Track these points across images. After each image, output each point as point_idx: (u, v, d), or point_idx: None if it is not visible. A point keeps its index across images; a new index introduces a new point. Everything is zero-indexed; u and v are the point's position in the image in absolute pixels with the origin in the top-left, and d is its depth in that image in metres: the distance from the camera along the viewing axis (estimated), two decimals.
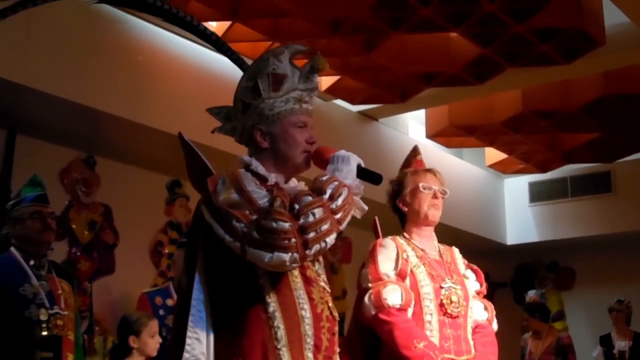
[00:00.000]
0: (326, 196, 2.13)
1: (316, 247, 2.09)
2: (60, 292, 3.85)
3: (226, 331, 2.15)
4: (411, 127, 8.38)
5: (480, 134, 7.87)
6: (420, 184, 3.15)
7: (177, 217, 6.61)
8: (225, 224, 2.09)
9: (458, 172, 9.00)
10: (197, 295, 2.16)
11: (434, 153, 8.47)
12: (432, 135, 7.99)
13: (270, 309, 2.13)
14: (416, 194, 3.16)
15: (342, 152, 2.29)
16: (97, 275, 5.98)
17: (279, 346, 2.11)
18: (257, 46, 5.57)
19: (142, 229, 6.38)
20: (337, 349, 2.29)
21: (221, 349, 2.14)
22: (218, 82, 5.81)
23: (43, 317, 3.71)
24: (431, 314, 3.00)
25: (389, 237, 3.15)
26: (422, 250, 3.15)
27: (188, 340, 2.12)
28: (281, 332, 2.12)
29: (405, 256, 3.07)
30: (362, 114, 7.58)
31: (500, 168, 9.23)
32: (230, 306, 2.15)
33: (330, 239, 2.12)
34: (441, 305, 3.02)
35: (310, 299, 2.20)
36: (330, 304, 2.26)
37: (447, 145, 8.45)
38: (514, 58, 6.08)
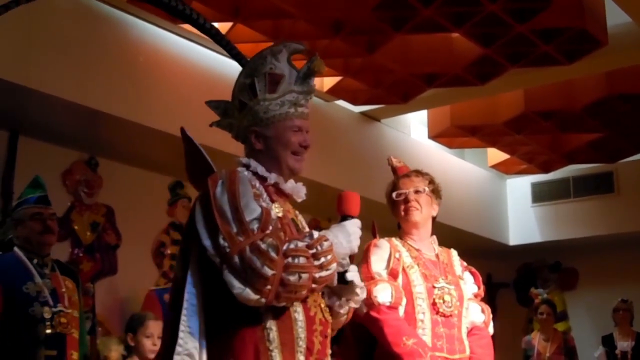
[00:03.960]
0: (318, 263, 2.09)
1: (283, 302, 2.09)
2: (64, 290, 3.87)
3: (219, 331, 2.13)
4: (413, 127, 8.38)
5: (483, 134, 7.86)
6: (393, 194, 3.23)
7: (180, 218, 6.61)
8: (212, 236, 2.07)
9: (460, 172, 9.00)
10: (191, 289, 2.14)
11: (436, 154, 8.48)
12: (434, 135, 7.98)
13: (263, 310, 2.11)
14: (393, 204, 3.25)
15: (354, 230, 2.23)
16: (99, 276, 5.99)
17: (270, 348, 2.10)
18: (258, 47, 5.47)
19: (144, 230, 6.39)
20: (329, 351, 2.28)
21: (215, 348, 2.13)
22: (220, 83, 5.80)
23: (47, 315, 3.73)
24: (423, 313, 3.05)
25: (385, 238, 3.20)
26: (417, 250, 3.20)
27: (181, 334, 2.10)
28: (273, 334, 2.11)
29: (397, 256, 3.12)
30: (364, 114, 7.57)
31: (503, 168, 9.22)
32: (223, 306, 2.12)
33: (298, 300, 2.14)
34: (434, 304, 3.06)
35: (304, 302, 2.18)
36: (323, 306, 2.26)
37: (449, 145, 8.44)
38: (516, 58, 6.08)
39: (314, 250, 2.10)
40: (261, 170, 2.26)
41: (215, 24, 5.57)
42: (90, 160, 6.07)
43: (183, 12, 2.57)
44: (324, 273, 2.11)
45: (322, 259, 2.10)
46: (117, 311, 6.05)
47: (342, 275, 2.24)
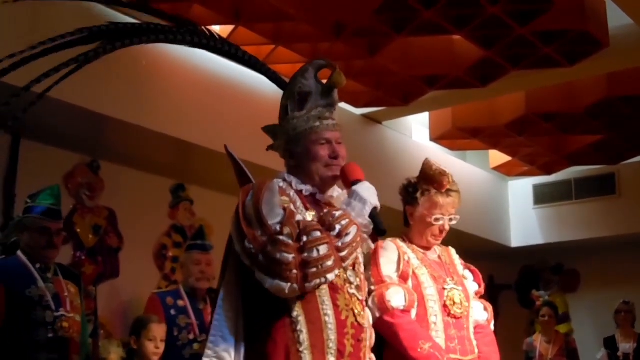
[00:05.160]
0: (334, 233, 2.20)
1: (316, 281, 2.18)
2: (66, 294, 3.88)
3: (255, 334, 2.25)
4: (415, 130, 8.38)
5: (484, 136, 7.86)
6: (433, 217, 3.14)
7: (181, 220, 6.62)
8: (240, 240, 2.20)
9: (462, 174, 8.99)
10: (225, 295, 2.28)
11: (437, 156, 8.46)
12: (436, 138, 7.98)
13: (294, 313, 2.23)
14: (425, 220, 3.16)
15: (364, 189, 2.35)
16: (101, 279, 5.99)
17: (300, 349, 2.21)
18: (260, 49, 5.56)
19: (146, 232, 6.39)
20: (367, 356, 2.38)
21: (251, 351, 2.26)
22: (222, 86, 5.80)
23: (49, 320, 3.73)
24: (436, 315, 3.04)
25: (389, 239, 3.16)
26: (422, 253, 3.19)
27: (211, 338, 2.24)
28: (303, 336, 2.22)
29: (406, 258, 3.11)
30: (366, 117, 7.57)
31: (505, 170, 9.22)
32: (258, 309, 2.25)
33: (331, 275, 2.21)
34: (445, 306, 3.05)
35: (335, 306, 2.28)
36: (356, 311, 2.34)
37: (451, 147, 8.44)
38: (518, 60, 6.08)
39: (327, 224, 2.21)
40: (295, 182, 2.38)
41: (217, 27, 5.62)
42: (92, 163, 6.07)
43: (216, 47, 2.77)
44: (346, 239, 2.21)
45: (338, 227, 2.21)
46: (119, 314, 6.06)
47: (376, 229, 2.34)
